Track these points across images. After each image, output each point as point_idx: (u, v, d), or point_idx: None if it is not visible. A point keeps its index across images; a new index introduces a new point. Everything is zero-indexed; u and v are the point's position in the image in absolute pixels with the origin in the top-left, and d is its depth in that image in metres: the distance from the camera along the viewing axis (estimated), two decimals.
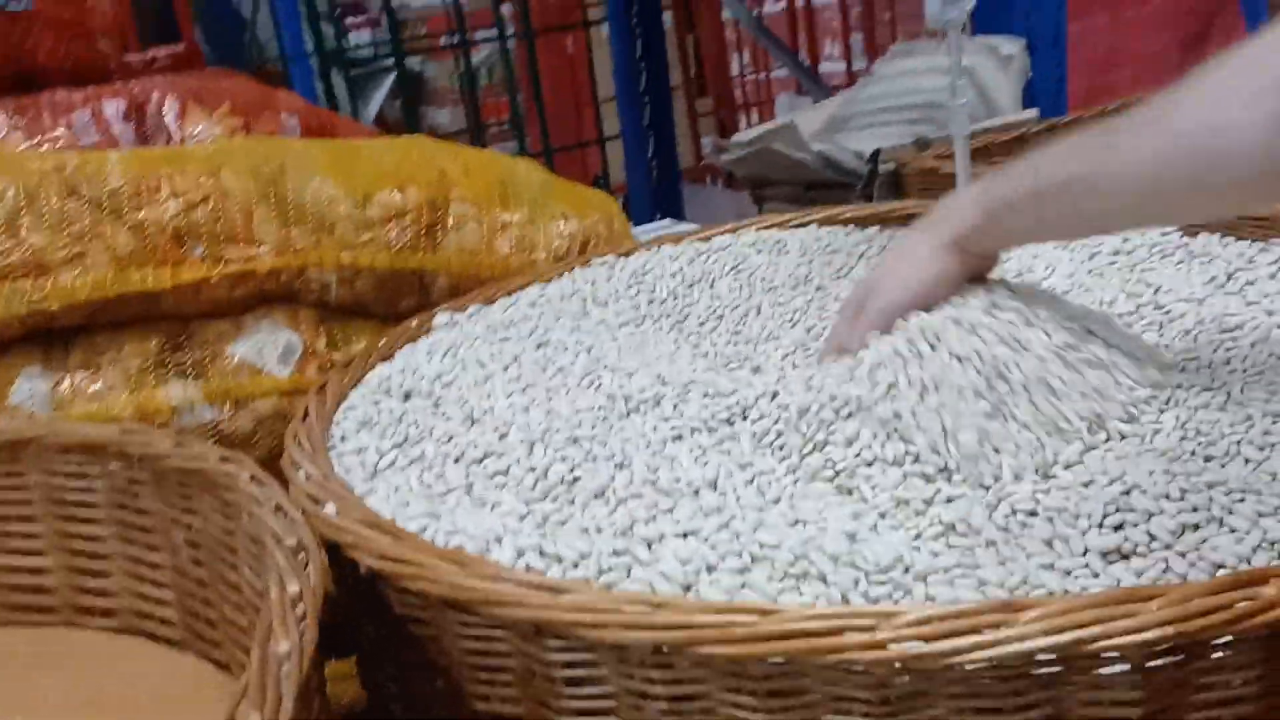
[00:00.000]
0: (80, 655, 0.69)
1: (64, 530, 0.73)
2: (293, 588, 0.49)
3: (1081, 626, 0.41)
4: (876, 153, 1.21)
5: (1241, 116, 0.53)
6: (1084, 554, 0.51)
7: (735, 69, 2.96)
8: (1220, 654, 0.43)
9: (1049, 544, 0.52)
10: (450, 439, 0.67)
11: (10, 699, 0.64)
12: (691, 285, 0.92)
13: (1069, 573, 0.50)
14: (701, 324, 0.86)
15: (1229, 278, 0.80)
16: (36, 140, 1.00)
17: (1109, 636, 0.41)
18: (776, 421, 0.64)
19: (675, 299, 0.90)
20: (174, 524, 0.69)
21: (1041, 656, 0.42)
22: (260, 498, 0.59)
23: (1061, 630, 0.41)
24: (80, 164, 0.85)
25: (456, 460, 0.64)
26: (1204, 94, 0.56)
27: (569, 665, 0.48)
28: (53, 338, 0.85)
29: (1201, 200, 0.62)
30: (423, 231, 0.95)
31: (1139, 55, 1.60)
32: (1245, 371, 0.66)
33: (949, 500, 0.57)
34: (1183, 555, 0.49)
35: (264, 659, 0.44)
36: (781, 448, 0.63)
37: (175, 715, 0.62)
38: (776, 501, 0.59)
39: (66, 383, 0.84)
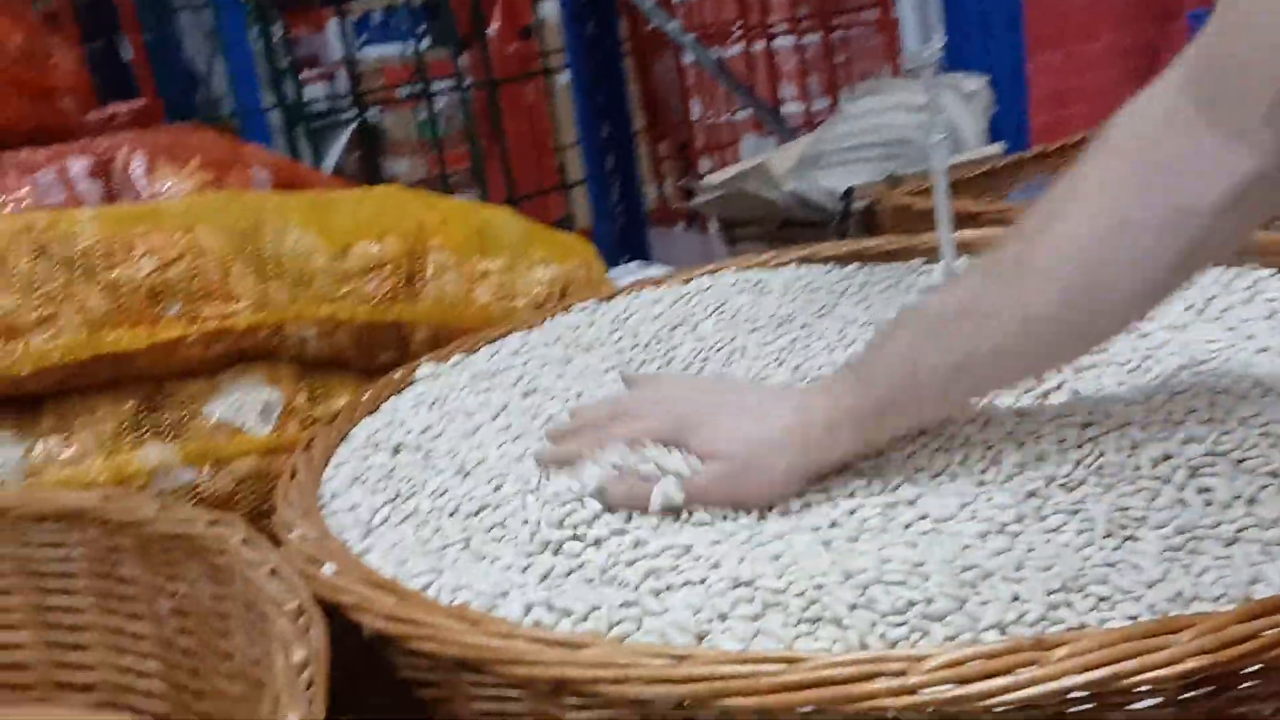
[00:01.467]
0: None
1: (40, 603, 0.70)
2: (298, 655, 0.47)
3: (1116, 661, 0.40)
4: (850, 191, 1.22)
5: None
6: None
7: (695, 113, 2.98)
8: (1249, 684, 0.42)
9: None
10: (444, 493, 0.65)
11: None
12: (674, 328, 0.91)
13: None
14: (687, 367, 0.86)
15: (1207, 303, 0.81)
16: (1, 200, 0.98)
17: (1144, 670, 0.40)
18: None
19: (659, 342, 0.89)
20: (159, 592, 0.67)
21: (1075, 694, 0.41)
22: (254, 561, 0.57)
23: (1096, 666, 0.40)
24: (50, 223, 0.84)
25: (452, 514, 0.63)
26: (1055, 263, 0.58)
27: None
28: (22, 403, 0.82)
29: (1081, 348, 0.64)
30: (402, 282, 0.94)
31: (1094, 89, 1.63)
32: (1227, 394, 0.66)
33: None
34: None
35: None
36: None
37: None
38: (780, 542, 0.58)
39: (39, 448, 0.81)
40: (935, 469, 0.64)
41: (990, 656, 0.41)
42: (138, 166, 1.05)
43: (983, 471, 0.63)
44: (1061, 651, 0.41)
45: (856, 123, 1.34)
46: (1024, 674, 0.40)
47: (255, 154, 1.15)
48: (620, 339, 0.89)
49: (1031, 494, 0.61)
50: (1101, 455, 0.63)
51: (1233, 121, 0.54)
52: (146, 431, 0.86)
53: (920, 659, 0.41)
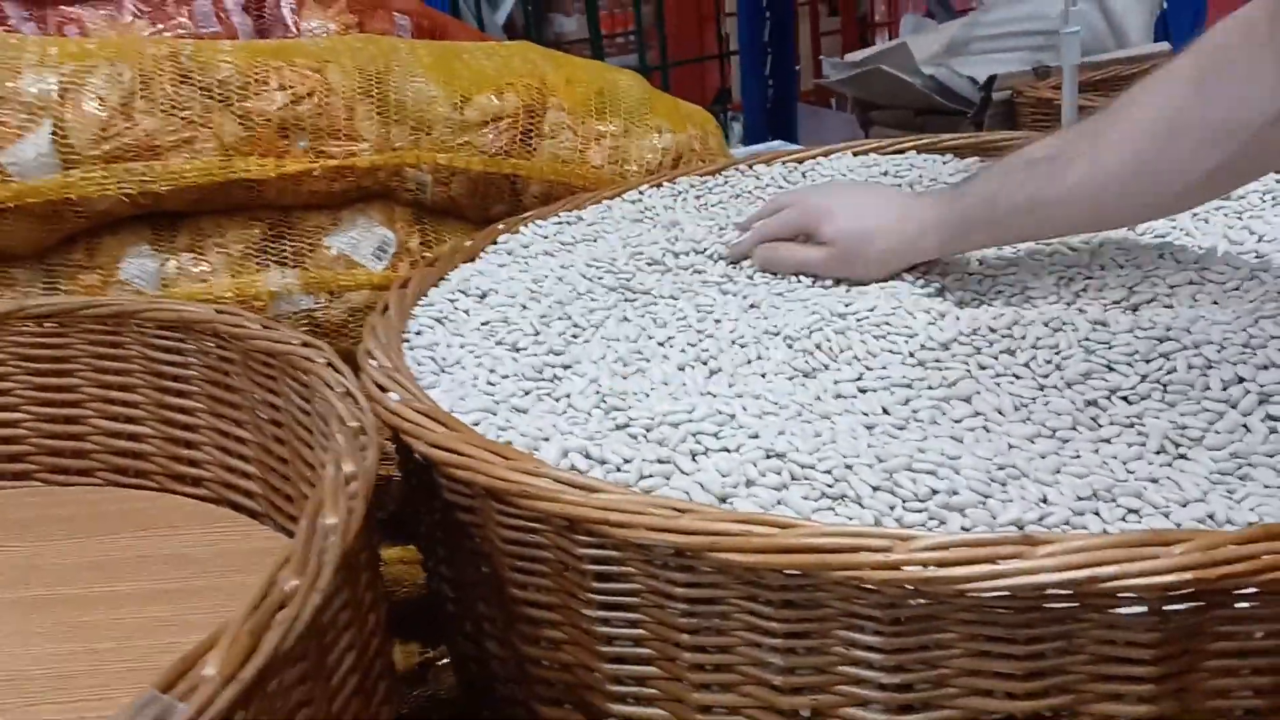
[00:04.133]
0: (168, 517, 0.74)
1: (160, 401, 0.77)
2: (348, 467, 0.52)
3: (1098, 565, 0.41)
4: (991, 79, 1.17)
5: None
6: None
7: None
8: (1244, 605, 0.42)
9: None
10: (516, 341, 0.69)
11: (99, 552, 0.70)
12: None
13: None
14: None
15: None
16: (159, 28, 1.04)
17: (1125, 577, 0.40)
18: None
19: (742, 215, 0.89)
20: (260, 402, 0.73)
21: (1054, 591, 0.42)
22: (332, 382, 0.62)
23: (1077, 567, 0.41)
24: (194, 52, 0.89)
25: (518, 362, 0.66)
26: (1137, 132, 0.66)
27: (598, 561, 0.50)
28: (161, 220, 0.89)
29: (1142, 215, 0.74)
30: (518, 137, 0.96)
31: None
32: None
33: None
34: None
35: (310, 530, 0.47)
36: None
37: (247, 577, 0.66)
38: (824, 422, 0.59)
39: (173, 263, 0.88)
40: (998, 369, 0.64)
41: (976, 545, 0.42)
42: (287, 4, 1.10)
43: (1045, 376, 0.63)
44: (1047, 549, 0.41)
45: (1012, 9, 1.28)
46: (1005, 565, 0.41)
47: (400, 0, 1.17)
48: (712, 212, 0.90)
49: (1091, 403, 0.61)
50: (1172, 372, 0.61)
51: None
52: (271, 257, 0.92)
53: (906, 539, 0.43)
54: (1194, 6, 1.34)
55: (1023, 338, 0.65)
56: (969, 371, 0.64)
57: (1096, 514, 0.52)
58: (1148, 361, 0.61)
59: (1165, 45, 1.25)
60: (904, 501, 0.52)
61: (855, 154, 0.98)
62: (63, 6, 1.03)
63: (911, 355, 0.66)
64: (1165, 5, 1.29)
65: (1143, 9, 1.24)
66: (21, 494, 0.79)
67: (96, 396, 0.79)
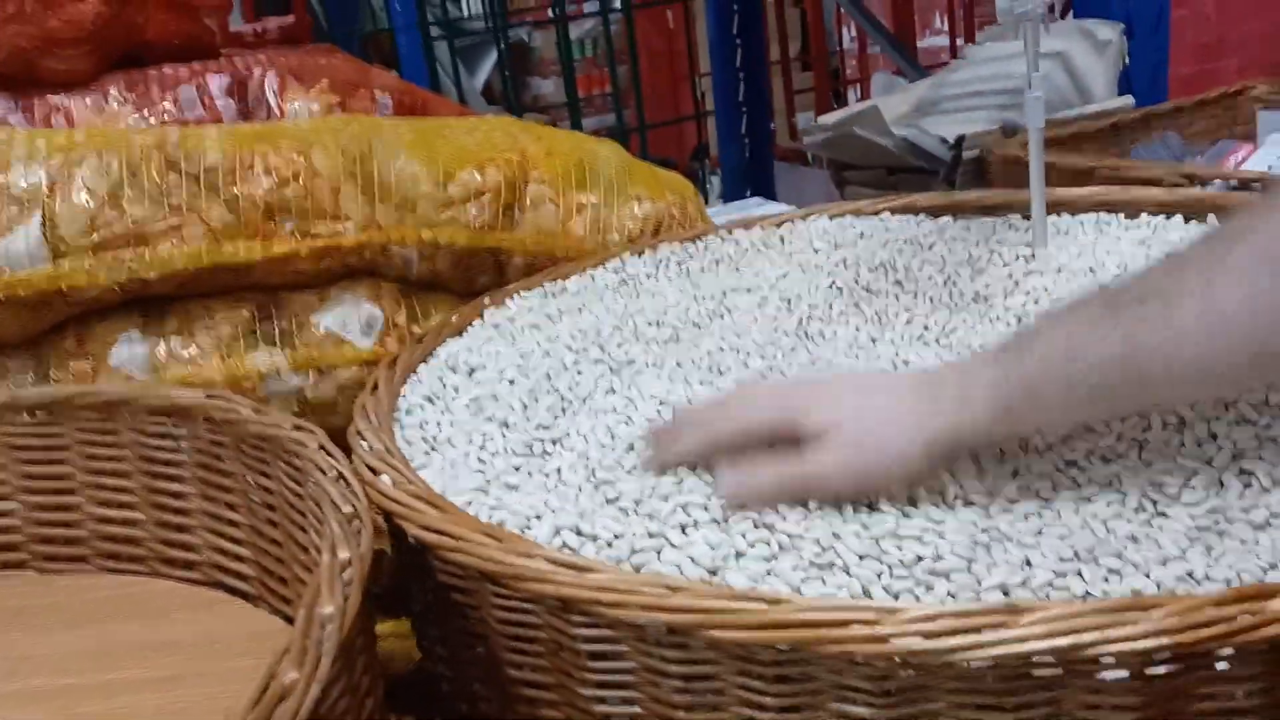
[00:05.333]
0: (162, 603, 0.74)
1: (153, 486, 0.78)
2: (343, 554, 0.53)
3: (1079, 632, 0.42)
4: (960, 139, 1.20)
5: None
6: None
7: (839, 43, 2.93)
8: (1224, 665, 0.43)
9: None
10: (507, 419, 0.70)
11: (94, 640, 0.70)
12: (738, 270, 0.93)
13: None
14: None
15: None
16: (144, 114, 1.06)
17: (1106, 643, 0.42)
18: None
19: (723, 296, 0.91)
20: (253, 485, 0.74)
21: (1039, 659, 0.43)
22: (325, 466, 0.63)
23: (1060, 634, 0.42)
24: (180, 139, 0.90)
25: (509, 439, 0.67)
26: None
27: (592, 640, 0.50)
28: (150, 304, 0.90)
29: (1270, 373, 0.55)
30: (501, 211, 0.98)
31: (1251, 40, 1.54)
32: None
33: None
34: None
35: (308, 619, 0.48)
36: None
37: (242, 662, 0.67)
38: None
39: (163, 348, 0.89)
40: None
41: (961, 615, 0.43)
42: (270, 86, 1.12)
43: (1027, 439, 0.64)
44: (1030, 617, 0.43)
45: (978, 69, 1.31)
46: (990, 635, 0.42)
47: (380, 78, 1.20)
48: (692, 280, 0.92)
49: (1071, 463, 0.62)
50: (1148, 430, 0.63)
51: None
52: (260, 337, 0.93)
53: (894, 611, 0.44)
54: (1155, 61, 1.38)
55: None
56: None
57: (1079, 574, 0.53)
58: (1123, 420, 0.63)
59: (1129, 99, 1.28)
60: (890, 568, 0.53)
61: (832, 216, 1.00)
62: (50, 96, 1.05)
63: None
64: (1127, 61, 1.33)
65: (1106, 66, 1.27)
66: (14, 583, 0.79)
67: (89, 484, 0.80)
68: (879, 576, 0.53)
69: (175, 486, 0.78)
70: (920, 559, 0.53)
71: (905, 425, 0.54)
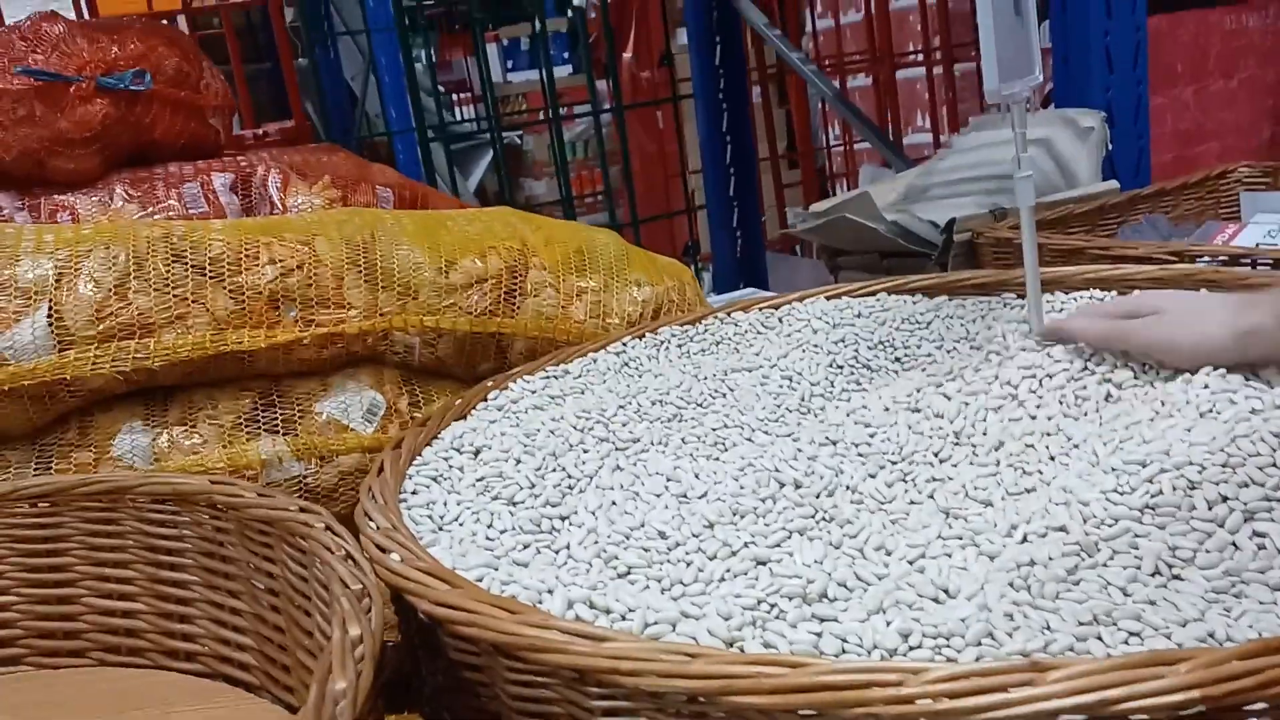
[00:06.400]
0: (163, 696, 0.73)
1: (155, 576, 0.77)
2: (354, 631, 0.52)
3: (1107, 688, 0.41)
4: (951, 222, 1.22)
5: None
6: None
7: (825, 140, 2.99)
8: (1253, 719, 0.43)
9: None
10: (514, 497, 0.69)
11: None
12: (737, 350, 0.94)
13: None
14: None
15: None
16: (150, 210, 1.07)
17: (1135, 698, 0.41)
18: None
19: (722, 377, 0.91)
20: (256, 571, 0.73)
21: (1066, 717, 0.42)
22: (332, 546, 0.62)
23: (1087, 690, 0.41)
24: (185, 232, 0.92)
25: (516, 517, 0.67)
26: None
27: (609, 713, 0.49)
28: (153, 394, 0.90)
29: None
30: (502, 297, 0.99)
31: (1227, 128, 1.58)
32: None
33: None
34: None
35: (321, 696, 0.47)
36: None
37: None
38: (835, 554, 0.60)
39: (165, 437, 0.89)
40: (995, 498, 0.65)
41: (986, 674, 0.43)
42: (273, 183, 1.14)
43: (1044, 507, 0.64)
44: (1055, 674, 0.42)
45: (965, 156, 1.34)
46: (1016, 693, 0.42)
47: (381, 174, 1.22)
48: (693, 361, 0.93)
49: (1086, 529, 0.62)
50: (1159, 494, 0.63)
51: None
52: (262, 426, 0.93)
53: (917, 672, 0.43)
54: (1137, 146, 1.42)
55: (1023, 470, 0.67)
56: (967, 507, 0.65)
57: (1099, 638, 0.52)
58: (1134, 488, 0.63)
59: (1115, 184, 1.31)
60: (913, 632, 0.53)
61: (828, 298, 1.01)
62: (55, 195, 1.07)
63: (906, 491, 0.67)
64: (1110, 147, 1.36)
65: (1089, 152, 1.30)
66: (11, 679, 0.78)
67: (90, 575, 0.79)
68: (905, 639, 0.52)
69: (177, 575, 0.77)
70: (944, 622, 0.53)
71: (1221, 317, 0.69)
